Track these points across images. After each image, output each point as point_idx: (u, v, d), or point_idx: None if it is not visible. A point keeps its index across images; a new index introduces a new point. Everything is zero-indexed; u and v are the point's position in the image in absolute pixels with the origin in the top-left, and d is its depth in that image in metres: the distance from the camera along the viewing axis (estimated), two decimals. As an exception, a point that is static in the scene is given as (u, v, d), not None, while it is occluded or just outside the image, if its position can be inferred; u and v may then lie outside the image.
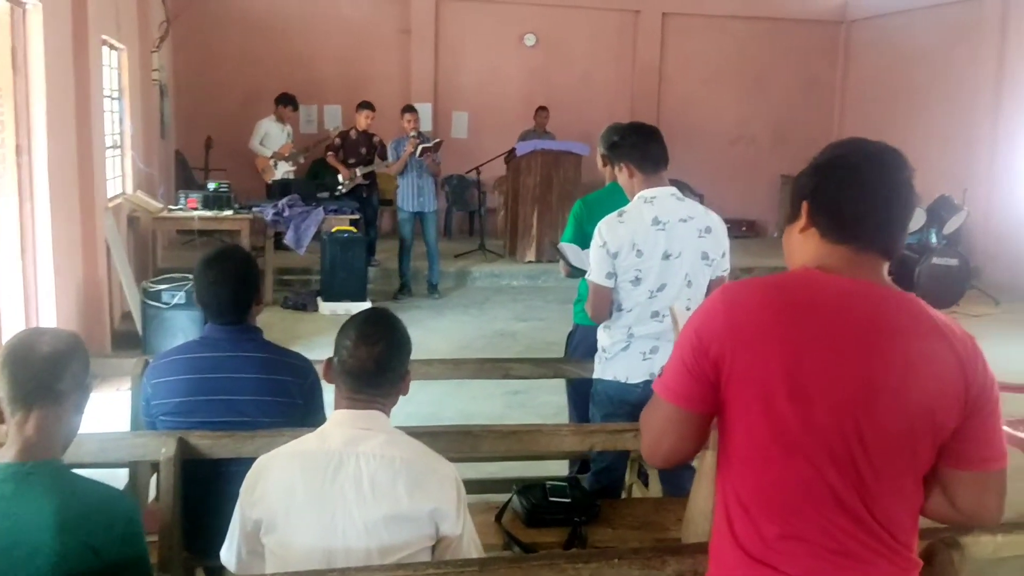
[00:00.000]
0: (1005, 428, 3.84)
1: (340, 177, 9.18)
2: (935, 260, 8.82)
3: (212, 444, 2.44)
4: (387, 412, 2.01)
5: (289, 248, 8.32)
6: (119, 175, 8.11)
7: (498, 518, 2.85)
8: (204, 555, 2.49)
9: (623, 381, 3.16)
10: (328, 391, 2.17)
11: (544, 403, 5.43)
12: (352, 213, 8.62)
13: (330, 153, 9.27)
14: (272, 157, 9.64)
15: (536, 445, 2.71)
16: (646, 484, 3.53)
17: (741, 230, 12.38)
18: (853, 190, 1.53)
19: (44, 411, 1.75)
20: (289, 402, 2.51)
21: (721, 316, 1.52)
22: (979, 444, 1.51)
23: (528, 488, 2.91)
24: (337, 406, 2.00)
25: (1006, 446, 1.55)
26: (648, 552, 1.95)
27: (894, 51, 12.14)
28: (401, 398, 2.09)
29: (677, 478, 3.11)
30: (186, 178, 10.32)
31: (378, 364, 1.96)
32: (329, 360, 2.03)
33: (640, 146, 3.17)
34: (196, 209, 8.04)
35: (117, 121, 8.00)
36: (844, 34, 13.24)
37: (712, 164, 12.54)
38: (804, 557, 1.48)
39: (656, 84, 12.75)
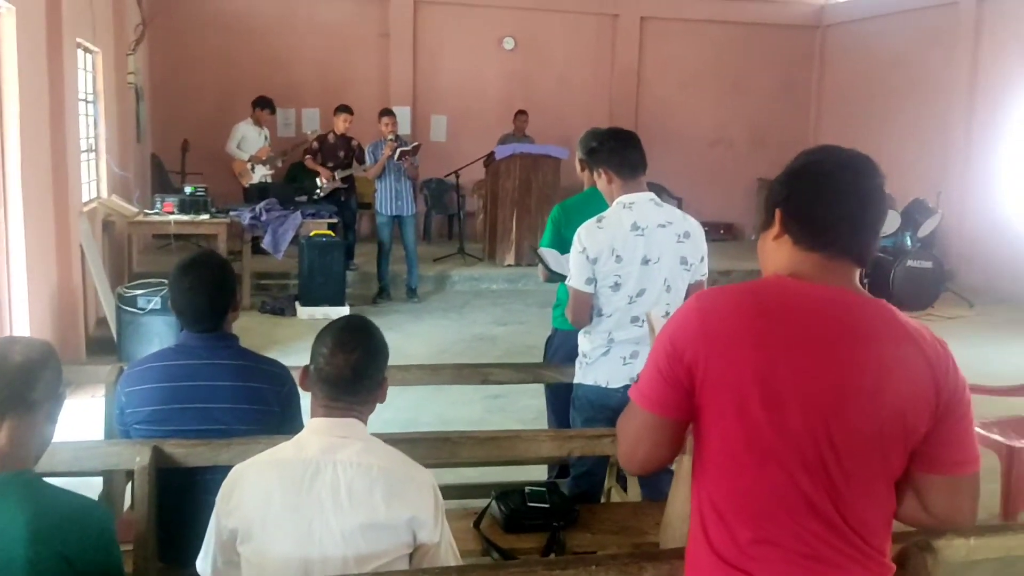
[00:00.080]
0: (978, 430, 3.89)
1: (318, 180, 9.14)
2: (910, 263, 8.91)
3: (187, 452, 2.42)
4: (364, 420, 2.00)
5: (267, 252, 8.27)
6: (94, 179, 8.04)
7: (476, 524, 2.84)
8: (179, 565, 2.46)
9: (604, 386, 3.17)
10: (305, 398, 2.16)
11: (524, 407, 5.43)
12: (330, 217, 8.59)
13: (308, 156, 9.24)
14: (249, 161, 9.58)
15: (515, 451, 2.71)
16: (625, 488, 3.54)
17: (719, 233, 12.46)
18: (825, 198, 1.54)
19: (16, 421, 1.73)
20: (266, 410, 2.49)
21: (695, 323, 1.53)
22: (951, 448, 1.53)
23: (506, 493, 2.91)
24: (314, 414, 1.99)
25: (978, 450, 1.56)
26: (625, 558, 1.95)
27: (870, 55, 12.26)
28: (379, 404, 2.08)
29: (656, 482, 3.12)
30: (162, 182, 10.23)
31: (355, 371, 1.95)
32: (305, 368, 2.02)
33: (618, 152, 3.19)
34: (172, 213, 7.98)
35: (92, 125, 7.93)
36: (820, 39, 13.36)
37: (690, 168, 12.62)
38: (777, 562, 1.49)
39: (634, 88, 12.80)
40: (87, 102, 7.68)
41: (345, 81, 11.49)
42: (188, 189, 8.30)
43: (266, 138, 9.81)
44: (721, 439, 1.52)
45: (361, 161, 8.94)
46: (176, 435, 2.46)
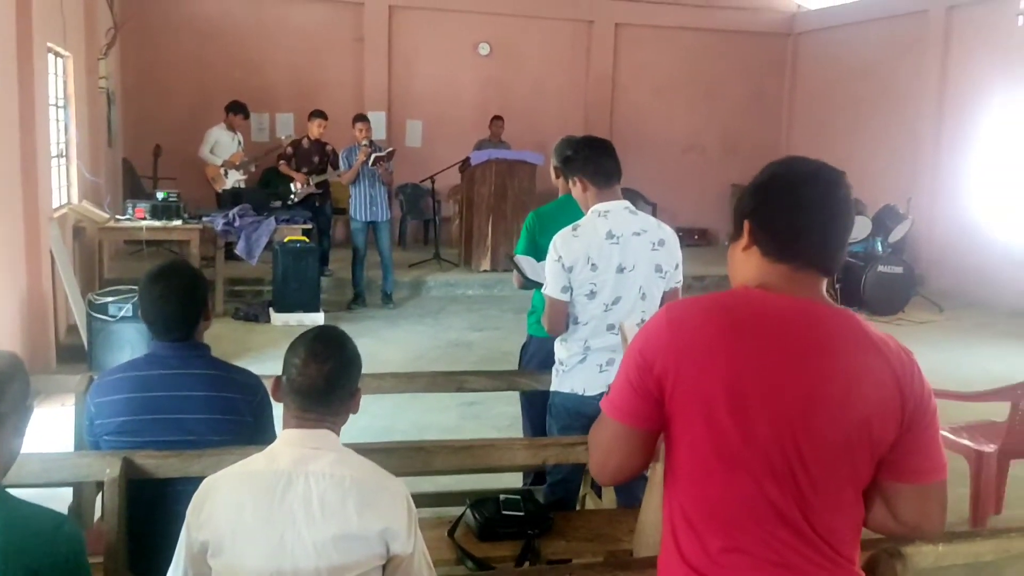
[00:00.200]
0: (947, 435, 3.95)
1: (293, 186, 9.09)
2: (881, 268, 9.01)
3: (158, 464, 2.40)
4: (337, 431, 1.99)
5: (240, 258, 8.21)
6: (64, 185, 7.95)
7: (451, 533, 2.84)
8: (150, 577, 2.44)
9: (580, 394, 3.18)
10: (278, 408, 2.15)
11: (499, 414, 5.43)
12: (305, 223, 8.55)
13: (282, 162, 9.19)
14: (222, 166, 9.52)
15: (489, 460, 2.71)
16: (600, 495, 3.55)
17: (693, 239, 12.54)
18: (792, 210, 1.56)
19: (-18, 434, 1.70)
20: (238, 420, 2.47)
21: (664, 334, 1.54)
22: (918, 457, 1.55)
23: (481, 502, 2.91)
24: (286, 425, 1.98)
25: (945, 458, 1.58)
26: (599, 567, 1.97)
27: (841, 63, 12.40)
28: (352, 414, 2.07)
29: (631, 488, 3.13)
30: (134, 187, 10.14)
31: (328, 382, 1.94)
32: (278, 378, 2.01)
33: (593, 160, 3.20)
34: (144, 219, 7.91)
35: (62, 130, 7.84)
36: (792, 46, 13.50)
37: (664, 174, 12.71)
38: (747, 570, 1.50)
39: (609, 94, 12.86)
40: (58, 107, 7.59)
41: (319, 85, 11.45)
42: (160, 195, 8.23)
43: (239, 143, 9.75)
44: (691, 449, 1.53)
45: (336, 166, 8.91)
46: (147, 446, 2.43)
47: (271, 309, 7.97)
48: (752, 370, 1.48)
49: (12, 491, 1.76)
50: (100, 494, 2.71)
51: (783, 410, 1.48)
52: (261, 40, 11.42)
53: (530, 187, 10.11)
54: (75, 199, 8.11)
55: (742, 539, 1.50)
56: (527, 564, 2.73)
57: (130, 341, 5.67)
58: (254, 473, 1.90)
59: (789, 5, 13.29)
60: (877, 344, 1.52)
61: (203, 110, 10.31)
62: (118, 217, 8.09)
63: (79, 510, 3.11)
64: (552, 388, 3.32)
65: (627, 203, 3.21)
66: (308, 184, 9.08)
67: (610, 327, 3.12)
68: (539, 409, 3.61)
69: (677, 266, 3.24)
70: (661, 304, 3.20)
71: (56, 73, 7.57)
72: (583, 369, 3.18)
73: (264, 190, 9.59)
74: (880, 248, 9.34)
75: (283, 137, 9.92)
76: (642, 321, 3.06)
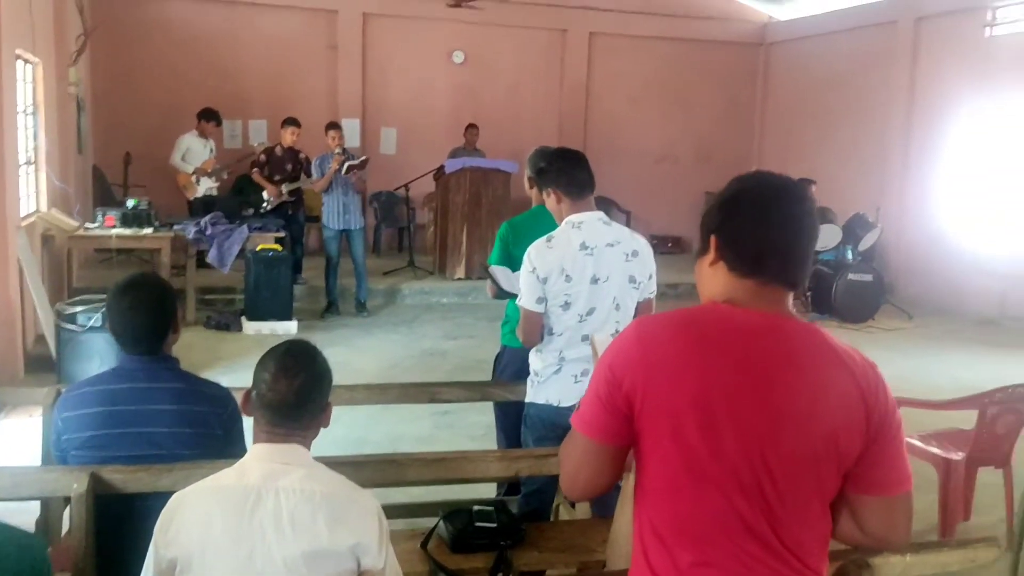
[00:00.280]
0: (916, 443, 4.00)
1: (265, 194, 9.04)
2: (851, 276, 9.10)
3: (126, 479, 2.37)
4: (307, 445, 1.98)
5: (212, 266, 8.15)
6: (33, 193, 7.84)
7: (424, 544, 2.83)
8: (118, 593, 2.41)
9: (555, 404, 3.19)
10: (249, 420, 2.13)
11: (473, 423, 5.41)
12: (277, 231, 8.50)
13: (255, 170, 9.13)
14: (194, 173, 9.44)
15: (462, 472, 2.70)
16: (573, 505, 3.55)
17: (667, 246, 12.61)
18: (757, 225, 1.57)
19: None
20: (208, 433, 2.45)
21: (634, 350, 1.55)
22: (884, 469, 1.56)
23: (454, 513, 2.90)
24: (256, 440, 1.96)
25: (910, 469, 1.60)
26: (571, 579, 1.96)
27: (811, 73, 12.54)
28: (323, 428, 2.06)
29: (604, 498, 3.12)
30: (104, 195, 10.02)
31: (298, 397, 1.93)
32: (247, 393, 2.00)
33: (567, 172, 3.22)
34: (114, 227, 7.82)
35: (31, 137, 7.75)
36: (764, 56, 13.63)
37: (638, 182, 12.77)
38: None
39: (583, 102, 12.92)
40: (26, 114, 7.50)
41: (293, 93, 11.40)
42: (131, 202, 8.14)
43: (212, 150, 9.68)
44: (660, 464, 1.54)
45: (309, 174, 8.87)
46: (115, 461, 2.40)
47: (243, 318, 7.91)
48: (720, 385, 1.49)
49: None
50: (68, 508, 2.68)
51: (751, 425, 1.49)
52: (234, 47, 11.35)
53: (504, 195, 10.12)
54: (44, 207, 8.01)
55: (712, 553, 1.51)
56: (500, 576, 2.73)
57: (99, 351, 5.60)
58: (223, 489, 1.88)
59: (760, 16, 13.43)
60: (843, 358, 1.54)
61: (175, 117, 10.21)
62: (88, 225, 8.00)
63: (46, 525, 3.06)
64: (527, 399, 3.32)
65: (601, 214, 3.23)
66: (280, 195, 9.03)
67: (585, 338, 3.13)
68: (513, 420, 3.60)
69: (651, 276, 3.26)
70: (635, 314, 3.22)
71: (25, 80, 7.48)
72: (558, 380, 3.19)
73: (236, 198, 9.53)
74: (850, 256, 9.44)
75: (256, 144, 9.87)
76: (616, 332, 3.07)
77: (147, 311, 2.44)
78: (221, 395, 2.52)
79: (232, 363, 6.65)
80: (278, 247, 8.16)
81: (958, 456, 3.97)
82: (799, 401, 1.50)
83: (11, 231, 6.08)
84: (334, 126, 8.59)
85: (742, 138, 13.66)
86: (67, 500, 2.60)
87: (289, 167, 9.10)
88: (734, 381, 1.50)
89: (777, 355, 1.52)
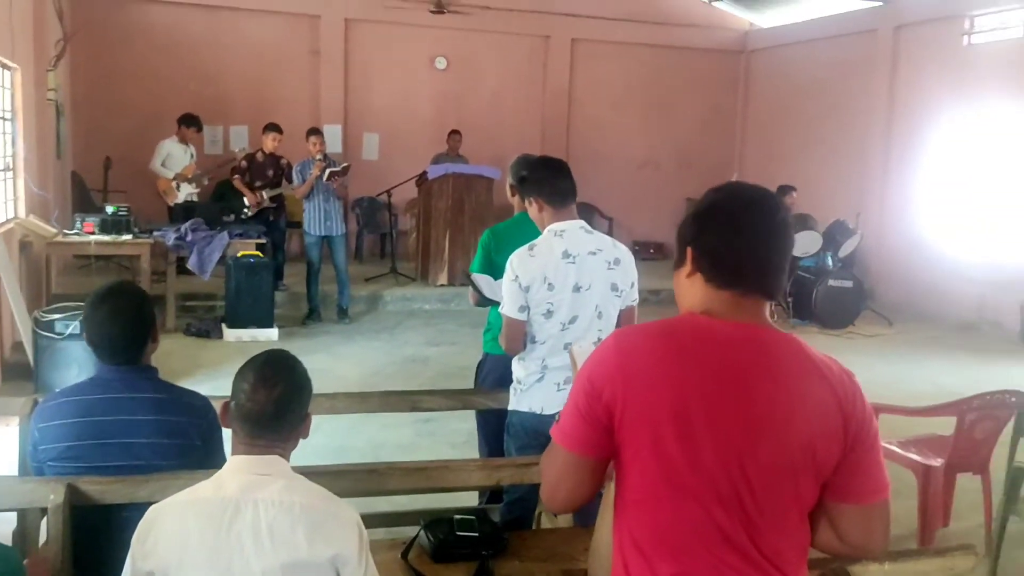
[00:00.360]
0: (895, 449, 4.02)
1: (246, 200, 8.99)
2: (831, 282, 9.15)
3: (103, 490, 2.35)
4: (287, 456, 1.97)
5: (193, 272, 8.09)
6: (11, 199, 7.77)
7: (404, 555, 2.81)
8: (95, 606, 2.38)
9: (538, 412, 3.19)
10: (228, 431, 2.11)
11: (455, 430, 5.41)
12: (259, 237, 8.44)
13: (236, 176, 9.07)
14: (174, 179, 9.38)
15: (443, 481, 2.69)
16: (555, 513, 3.54)
17: (649, 253, 12.65)
18: (732, 237, 1.58)
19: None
20: (187, 443, 2.43)
21: (613, 362, 1.55)
22: (861, 478, 1.57)
23: (435, 523, 2.88)
24: (235, 451, 1.95)
25: (887, 478, 1.61)
26: (552, 589, 1.96)
27: (792, 81, 12.63)
28: (311, 429, 2.05)
29: (586, 506, 3.12)
30: (83, 201, 9.93)
31: (277, 407, 1.92)
32: (226, 403, 1.98)
33: (549, 180, 3.22)
34: (93, 233, 7.75)
35: (9, 143, 7.67)
36: (745, 64, 13.71)
37: (620, 188, 12.82)
38: None
39: (566, 109, 12.95)
40: (4, 119, 7.43)
41: (275, 98, 11.36)
42: (110, 208, 8.07)
43: (192, 156, 9.62)
44: (639, 475, 1.54)
45: (290, 180, 8.83)
46: (93, 472, 2.38)
47: (224, 325, 7.86)
48: (698, 397, 1.50)
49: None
50: (45, 519, 2.65)
51: (729, 435, 1.49)
52: (215, 52, 11.31)
53: (487, 201, 10.12)
54: (22, 213, 7.92)
55: (691, 564, 1.51)
56: (479, 586, 2.71)
57: (77, 359, 5.54)
58: (201, 501, 1.86)
59: (742, 23, 13.52)
60: (820, 368, 1.55)
61: (155, 122, 10.15)
62: (66, 231, 7.93)
63: (23, 536, 3.02)
64: (510, 407, 3.31)
65: (583, 222, 3.23)
66: (261, 201, 8.99)
67: (567, 346, 3.13)
68: (494, 427, 3.60)
69: (632, 284, 3.27)
70: (618, 322, 3.23)
71: (3, 85, 7.41)
72: (541, 388, 3.19)
73: (217, 204, 9.47)
74: (830, 263, 9.49)
75: (237, 150, 9.81)
76: (598, 340, 3.07)
77: (125, 321, 2.41)
78: (200, 405, 2.50)
79: (212, 371, 6.60)
80: (259, 253, 8.11)
81: (937, 462, 4.00)
82: (777, 411, 1.51)
83: (-12, 238, 6.02)
84: (315, 132, 8.56)
85: (723, 145, 13.74)
86: (44, 511, 2.56)
87: (270, 173, 9.05)
88: (712, 392, 1.50)
89: (755, 365, 1.53)
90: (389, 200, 10.47)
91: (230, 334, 7.74)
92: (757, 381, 1.52)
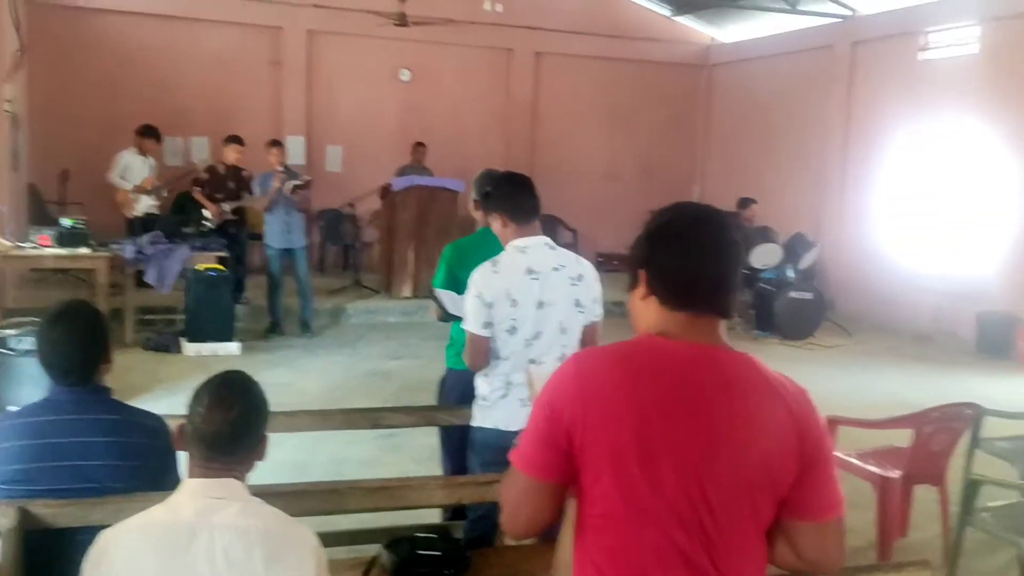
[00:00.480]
0: (854, 461, 4.06)
1: (206, 213, 8.88)
2: (792, 294, 9.26)
3: (56, 513, 2.29)
4: (243, 479, 1.94)
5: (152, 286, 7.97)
6: (-36, 211, 7.62)
7: (365, 574, 2.78)
8: (48, 633, 2.33)
9: (502, 429, 3.17)
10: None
11: (419, 445, 5.36)
12: (220, 250, 8.34)
13: (197, 188, 8.96)
14: (133, 191, 9.23)
15: (405, 500, 2.67)
16: (517, 539, 3.53)
17: (613, 264, 12.67)
18: (684, 259, 1.59)
19: None
20: (141, 465, 2.38)
21: (572, 386, 1.55)
22: (816, 495, 1.59)
23: (396, 542, 2.86)
24: (191, 474, 1.92)
25: (841, 494, 1.62)
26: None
27: (753, 95, 12.80)
28: (272, 446, 2.03)
29: (549, 523, 3.13)
30: (39, 213, 9.75)
31: (234, 430, 1.89)
32: (181, 426, 1.95)
33: (512, 197, 3.22)
34: (49, 247, 7.61)
35: (-38, 153, 7.53)
36: (707, 77, 13.87)
37: (585, 200, 12.88)
38: None
39: (530, 121, 13.00)
40: (-43, 130, 7.29)
41: (237, 109, 11.27)
42: (66, 222, 7.92)
43: (152, 167, 9.47)
44: (600, 499, 1.54)
45: (251, 192, 8.74)
46: (45, 495, 2.32)
47: (183, 339, 7.75)
48: (656, 419, 1.50)
49: None
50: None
51: (688, 457, 1.50)
52: (176, 62, 11.20)
53: (452, 213, 10.10)
54: (-25, 226, 7.78)
55: None
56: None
57: (32, 376, 5.39)
58: (155, 525, 1.83)
59: (704, 38, 13.67)
60: (775, 386, 1.56)
61: (114, 133, 10.01)
62: (20, 244, 7.77)
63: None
64: (474, 424, 3.30)
65: (546, 239, 3.23)
66: (222, 214, 8.89)
67: (531, 362, 3.13)
68: (457, 443, 3.58)
69: (595, 300, 3.27)
70: (581, 337, 3.23)
71: (-44, 95, 7.28)
72: (505, 404, 3.18)
73: (177, 216, 9.33)
74: (791, 274, 9.60)
75: (198, 162, 9.69)
76: (562, 356, 3.08)
77: (78, 342, 2.37)
78: (155, 425, 2.45)
79: (172, 386, 6.50)
80: (220, 267, 8.01)
81: (895, 474, 4.04)
82: (735, 432, 1.52)
83: (-61, 251, 5.88)
84: (276, 143, 8.51)
85: (686, 157, 13.88)
86: (-5, 535, 2.50)
87: (232, 185, 8.95)
88: (670, 414, 1.51)
89: (712, 386, 1.54)
90: (353, 212, 10.42)
91: (190, 348, 7.64)
92: (715, 402, 1.52)
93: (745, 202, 10.26)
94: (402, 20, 11.01)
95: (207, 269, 7.82)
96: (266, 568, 1.80)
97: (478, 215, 3.85)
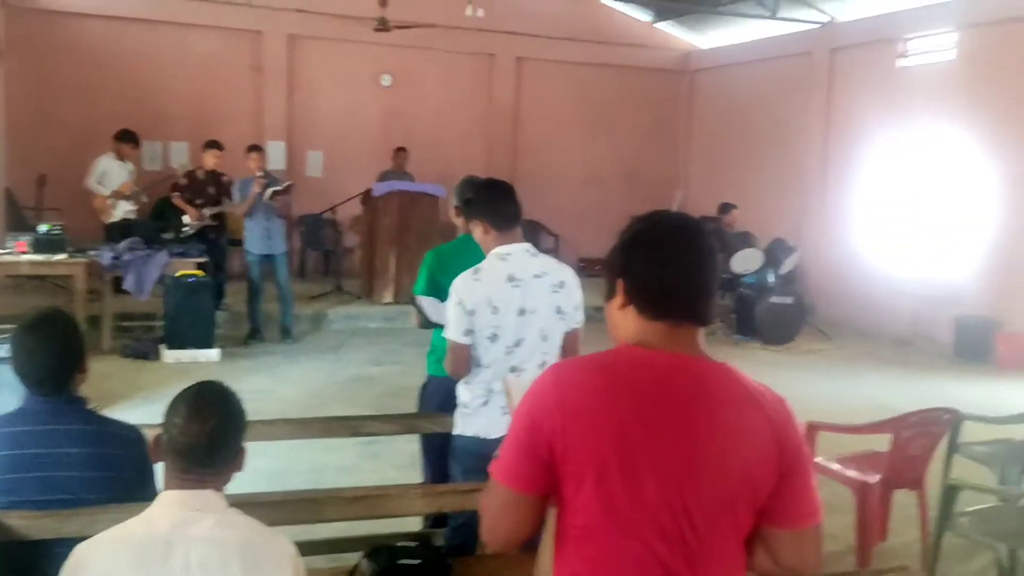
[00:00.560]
0: (834, 466, 4.08)
1: (185, 218, 8.82)
2: (772, 299, 9.30)
3: (30, 525, 2.26)
4: (221, 490, 1.92)
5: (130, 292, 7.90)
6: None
7: (346, 584, 2.77)
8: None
9: (483, 437, 3.16)
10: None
11: (399, 452, 5.34)
12: (199, 256, 8.28)
13: (176, 193, 8.90)
14: (111, 196, 9.15)
15: (385, 509, 2.66)
16: (497, 551, 3.51)
17: (595, 269, 12.69)
18: (660, 268, 1.59)
19: None
20: (116, 476, 2.35)
21: (552, 397, 1.55)
22: (795, 503, 1.59)
23: (376, 550, 2.84)
24: (168, 486, 1.89)
25: (819, 502, 1.63)
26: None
27: (734, 100, 12.87)
28: (251, 454, 2.01)
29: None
30: (16, 219, 9.64)
31: (211, 441, 1.87)
32: (157, 437, 1.93)
33: (493, 204, 3.21)
34: (26, 253, 7.53)
35: (-63, 158, 7.44)
36: (688, 82, 13.93)
37: (566, 205, 12.89)
38: None
39: (512, 127, 13.01)
40: (-69, 134, 7.21)
41: (216, 114, 11.20)
42: (43, 227, 7.84)
43: (130, 172, 9.39)
44: (580, 510, 1.53)
45: (231, 197, 8.68)
46: (19, 506, 2.29)
47: (162, 346, 7.68)
48: (637, 430, 1.50)
49: None
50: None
51: (669, 469, 1.50)
52: (154, 67, 11.12)
53: (433, 218, 10.07)
54: (-50, 231, 7.68)
55: None
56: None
57: (7, 384, 5.33)
58: (131, 538, 1.80)
59: (684, 44, 13.73)
60: (754, 395, 1.57)
61: (92, 138, 9.92)
62: (-4, 250, 7.70)
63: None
64: (455, 431, 3.29)
65: (528, 245, 3.23)
66: (202, 219, 8.83)
67: (512, 369, 3.13)
68: (438, 451, 3.57)
69: (576, 307, 3.27)
70: (562, 344, 3.22)
71: (-70, 99, 7.19)
72: (486, 412, 3.17)
73: (156, 222, 9.27)
74: (772, 280, 9.65)
75: (177, 167, 9.61)
76: (543, 363, 3.07)
77: (52, 351, 2.34)
78: (130, 436, 2.43)
79: (151, 393, 6.44)
80: (200, 272, 7.95)
81: (874, 479, 4.06)
82: (715, 442, 1.52)
83: (-87, 258, 5.81)
84: (255, 148, 8.47)
85: (668, 162, 13.93)
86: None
87: (212, 190, 8.89)
88: (650, 424, 1.50)
89: (690, 396, 1.54)
90: (334, 217, 10.38)
91: (169, 355, 7.58)
92: (695, 413, 1.52)
93: (726, 207, 10.32)
94: (383, 25, 10.98)
95: (186, 275, 7.76)
96: (243, 580, 1.78)
97: (459, 222, 3.84)
